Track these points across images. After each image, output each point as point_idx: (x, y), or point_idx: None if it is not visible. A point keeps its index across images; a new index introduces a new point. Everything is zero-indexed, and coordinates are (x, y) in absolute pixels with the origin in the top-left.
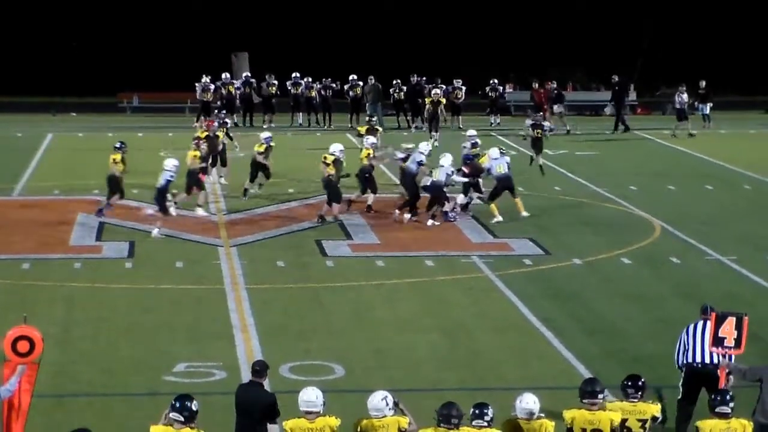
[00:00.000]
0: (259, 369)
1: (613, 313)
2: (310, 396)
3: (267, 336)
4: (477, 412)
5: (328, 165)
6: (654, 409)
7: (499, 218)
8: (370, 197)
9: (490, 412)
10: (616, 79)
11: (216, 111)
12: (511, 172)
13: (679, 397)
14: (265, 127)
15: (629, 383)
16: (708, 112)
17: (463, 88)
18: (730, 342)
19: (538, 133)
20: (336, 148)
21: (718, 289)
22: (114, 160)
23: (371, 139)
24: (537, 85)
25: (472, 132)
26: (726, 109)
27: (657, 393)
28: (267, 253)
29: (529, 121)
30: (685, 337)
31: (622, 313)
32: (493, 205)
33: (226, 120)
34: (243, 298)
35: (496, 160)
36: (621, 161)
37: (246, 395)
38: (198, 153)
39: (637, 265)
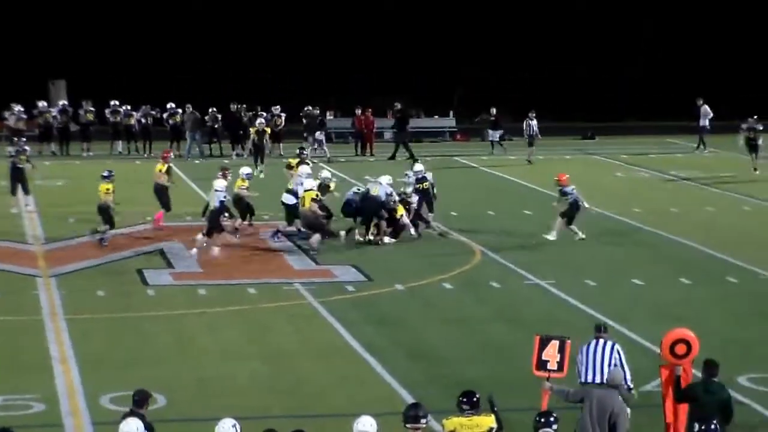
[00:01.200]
0: (138, 399)
1: (436, 338)
2: (131, 427)
3: (87, 366)
4: None
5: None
6: (488, 421)
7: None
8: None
9: None
10: (399, 107)
11: (16, 138)
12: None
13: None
14: (84, 155)
15: (464, 399)
16: (498, 138)
17: (283, 115)
18: (553, 365)
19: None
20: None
21: (537, 312)
22: (106, 190)
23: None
24: (360, 112)
25: (419, 167)
26: (545, 134)
27: (489, 401)
28: (87, 282)
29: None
30: (580, 356)
31: (444, 338)
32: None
33: (26, 147)
34: (62, 328)
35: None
36: (442, 187)
37: None
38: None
39: (458, 289)
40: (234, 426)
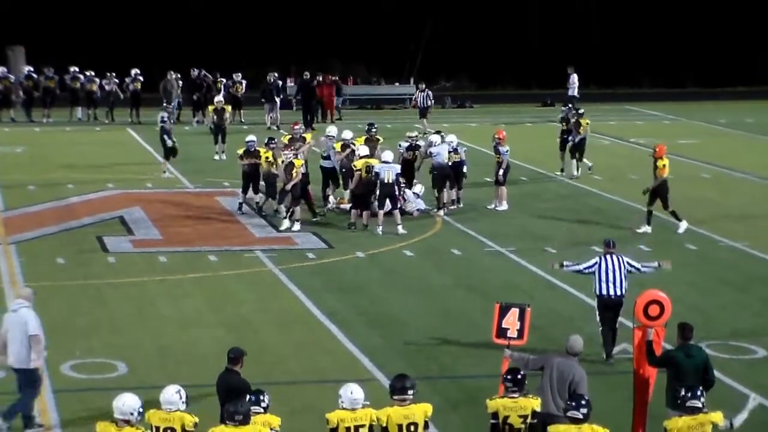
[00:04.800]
0: (233, 357)
1: (397, 306)
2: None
3: (48, 334)
4: (253, 399)
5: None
6: (534, 403)
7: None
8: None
9: (266, 398)
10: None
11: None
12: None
13: (599, 327)
14: (44, 121)
15: (508, 377)
16: (339, 105)
17: (244, 81)
18: (513, 333)
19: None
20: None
21: (498, 279)
22: (266, 158)
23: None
24: (321, 78)
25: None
26: (504, 102)
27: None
28: (46, 249)
29: (404, 144)
30: (598, 270)
31: (405, 305)
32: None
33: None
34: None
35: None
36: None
37: (225, 382)
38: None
39: (419, 257)
40: (178, 392)
